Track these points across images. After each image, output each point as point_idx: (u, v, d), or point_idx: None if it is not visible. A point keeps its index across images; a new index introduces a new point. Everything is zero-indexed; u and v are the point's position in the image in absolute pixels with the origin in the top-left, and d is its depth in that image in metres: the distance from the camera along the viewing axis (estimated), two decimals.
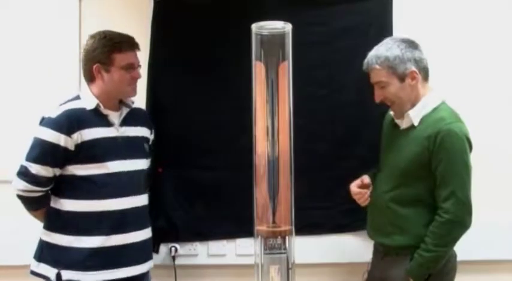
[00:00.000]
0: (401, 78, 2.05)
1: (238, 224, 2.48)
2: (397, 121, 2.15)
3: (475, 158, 2.04)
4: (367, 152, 2.46)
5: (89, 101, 2.14)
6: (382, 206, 2.13)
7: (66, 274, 2.09)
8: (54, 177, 2.12)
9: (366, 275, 2.28)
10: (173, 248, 2.55)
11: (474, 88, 2.57)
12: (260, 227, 1.90)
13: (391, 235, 2.11)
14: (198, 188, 2.54)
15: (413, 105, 2.08)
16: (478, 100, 2.55)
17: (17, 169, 2.12)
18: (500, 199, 2.54)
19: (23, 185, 2.10)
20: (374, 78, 2.11)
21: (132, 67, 2.17)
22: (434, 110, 2.06)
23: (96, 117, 2.13)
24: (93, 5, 2.59)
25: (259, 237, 1.89)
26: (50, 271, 2.11)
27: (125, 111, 2.23)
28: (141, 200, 2.23)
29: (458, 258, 2.13)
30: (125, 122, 2.20)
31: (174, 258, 2.55)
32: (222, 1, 2.55)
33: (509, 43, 2.61)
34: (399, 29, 2.51)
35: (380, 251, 2.20)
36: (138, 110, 2.32)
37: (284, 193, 1.92)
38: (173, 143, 2.49)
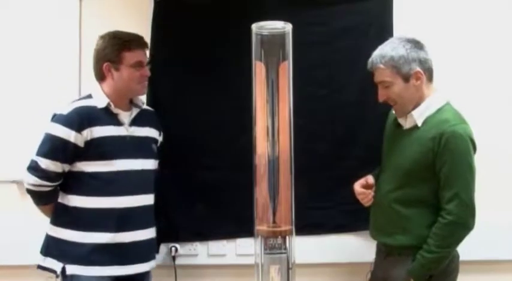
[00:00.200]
0: (406, 78, 2.05)
1: (239, 224, 2.48)
2: (400, 121, 2.15)
3: (476, 159, 2.04)
4: (367, 152, 2.46)
5: (100, 99, 2.18)
6: (385, 206, 2.13)
7: (70, 268, 2.12)
8: (64, 172, 2.15)
9: (369, 276, 2.28)
10: (173, 248, 2.55)
11: (474, 88, 2.57)
12: (260, 227, 1.90)
13: (393, 235, 2.10)
14: (198, 188, 2.54)
15: (416, 105, 2.08)
16: (479, 100, 2.54)
17: (27, 163, 2.14)
18: (501, 199, 2.54)
19: (33, 179, 2.13)
20: (378, 77, 2.11)
21: (141, 65, 2.21)
22: (439, 111, 2.06)
23: (107, 116, 2.17)
24: (93, 5, 2.59)
25: (260, 237, 1.89)
26: (56, 265, 2.15)
27: (135, 111, 2.26)
28: (147, 199, 2.26)
29: (460, 258, 2.13)
30: (135, 122, 2.24)
31: (174, 258, 2.55)
32: (222, 1, 2.55)
33: (510, 43, 2.61)
34: (399, 29, 2.51)
35: (383, 251, 2.20)
36: (148, 111, 2.35)
37: (284, 192, 1.92)
38: (173, 143, 2.49)
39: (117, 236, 2.14)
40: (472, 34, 2.60)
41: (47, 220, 2.23)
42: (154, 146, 2.33)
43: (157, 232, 2.35)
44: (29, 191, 2.17)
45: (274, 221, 1.91)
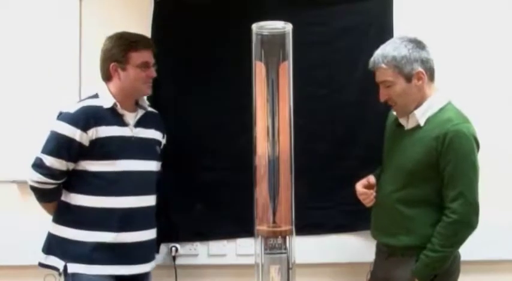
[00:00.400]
0: (408, 78, 2.05)
1: (239, 224, 2.48)
2: (402, 121, 2.15)
3: (477, 158, 2.04)
4: (367, 152, 2.46)
5: (106, 99, 2.19)
6: (388, 206, 2.13)
7: (72, 266, 2.13)
8: (68, 171, 2.16)
9: (369, 276, 2.28)
10: (173, 248, 2.55)
11: (475, 88, 2.57)
12: (260, 227, 1.90)
13: (396, 236, 2.10)
14: (198, 188, 2.54)
15: (418, 105, 2.08)
16: (479, 100, 2.54)
17: (32, 161, 2.15)
18: (503, 199, 2.53)
19: (37, 176, 2.13)
20: (379, 77, 2.11)
21: (147, 66, 2.23)
22: (441, 110, 2.06)
23: (113, 116, 2.18)
24: (93, 5, 2.59)
25: (260, 237, 1.89)
26: (59, 263, 2.16)
27: (140, 113, 2.28)
28: (149, 200, 2.27)
29: (462, 258, 2.13)
30: (140, 124, 2.25)
31: (174, 258, 2.55)
32: (222, 1, 2.55)
33: (510, 42, 2.61)
34: (399, 29, 2.51)
35: (384, 252, 2.20)
36: (153, 113, 2.36)
37: (284, 192, 1.92)
38: (173, 143, 2.49)
39: (119, 236, 2.15)
40: (472, 34, 2.60)
41: (47, 220, 2.23)
42: (157, 148, 2.34)
43: (158, 232, 2.35)
44: (33, 188, 2.18)
45: (274, 221, 1.91)
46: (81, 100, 2.24)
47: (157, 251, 2.48)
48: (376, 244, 2.28)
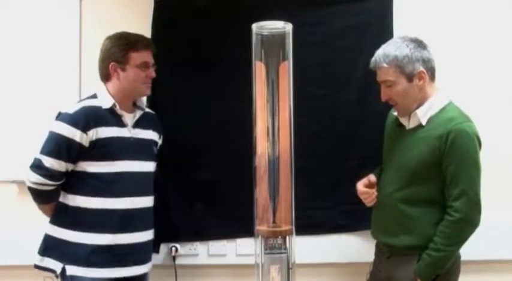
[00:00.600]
0: (409, 78, 2.05)
1: (239, 224, 2.48)
2: (403, 121, 2.15)
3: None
4: (367, 152, 2.46)
5: (105, 100, 2.18)
6: (390, 206, 2.13)
7: (70, 268, 2.12)
8: (67, 172, 2.15)
9: (368, 276, 2.28)
10: (173, 248, 2.55)
11: (475, 87, 2.57)
12: (260, 227, 1.91)
13: (398, 235, 2.10)
14: (198, 188, 2.54)
15: (419, 105, 2.08)
16: (479, 100, 2.54)
17: (30, 161, 2.14)
18: (503, 199, 2.53)
19: (36, 177, 2.12)
20: (381, 77, 2.11)
21: (146, 66, 2.22)
22: (442, 110, 2.07)
23: (112, 117, 2.18)
24: (93, 5, 2.59)
25: (260, 237, 1.90)
26: (56, 265, 2.15)
27: (138, 113, 2.28)
28: (147, 201, 2.26)
29: (462, 258, 2.13)
30: (138, 124, 2.25)
31: (174, 258, 2.55)
32: (222, 1, 2.55)
33: (510, 42, 2.61)
34: (399, 29, 2.51)
35: (384, 252, 2.19)
36: (150, 114, 2.36)
37: (284, 192, 1.92)
38: (173, 143, 2.49)
39: (118, 238, 2.15)
40: (472, 33, 2.60)
41: (46, 220, 2.23)
42: (155, 149, 2.34)
43: (158, 232, 2.35)
44: (31, 190, 2.16)
45: (274, 221, 1.91)
46: (79, 101, 2.23)
47: (158, 251, 2.48)
48: (376, 244, 2.28)
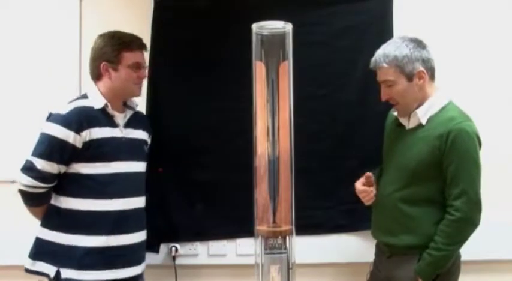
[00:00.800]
0: (409, 77, 2.06)
1: (239, 224, 2.48)
2: (402, 121, 2.15)
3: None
4: (367, 152, 2.46)
5: (97, 100, 2.16)
6: (390, 206, 2.13)
7: (64, 272, 2.10)
8: (59, 174, 2.12)
9: (368, 276, 2.28)
10: (173, 248, 2.54)
11: (475, 87, 2.57)
12: (260, 227, 1.91)
13: (399, 235, 2.10)
14: (198, 188, 2.53)
15: (420, 105, 2.08)
16: (479, 99, 2.54)
17: (22, 164, 2.12)
18: (503, 199, 2.53)
19: (27, 180, 2.10)
20: (381, 77, 2.11)
21: (139, 66, 2.21)
22: (442, 109, 2.07)
23: (104, 117, 2.16)
24: (93, 5, 2.60)
25: (260, 237, 1.90)
26: (49, 269, 2.12)
27: (129, 113, 2.26)
28: (140, 202, 2.25)
29: (462, 258, 2.13)
30: (129, 125, 2.24)
31: (174, 258, 2.55)
32: (222, 1, 2.55)
33: (510, 42, 2.61)
34: (399, 29, 2.51)
35: (384, 252, 2.19)
36: (140, 114, 2.36)
37: (284, 192, 1.92)
38: (173, 143, 2.49)
39: (111, 239, 2.12)
40: (472, 33, 2.60)
41: None
42: (145, 148, 2.33)
43: (158, 232, 2.35)
44: (22, 192, 2.13)
45: (274, 221, 1.91)
46: (70, 101, 2.18)
47: (158, 251, 2.48)
48: (376, 244, 2.28)
